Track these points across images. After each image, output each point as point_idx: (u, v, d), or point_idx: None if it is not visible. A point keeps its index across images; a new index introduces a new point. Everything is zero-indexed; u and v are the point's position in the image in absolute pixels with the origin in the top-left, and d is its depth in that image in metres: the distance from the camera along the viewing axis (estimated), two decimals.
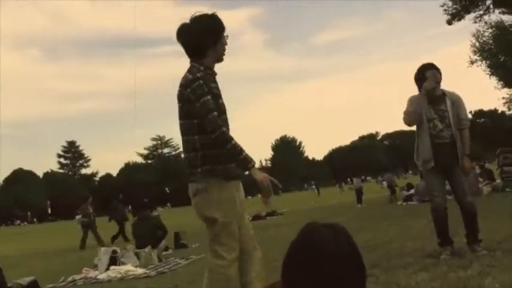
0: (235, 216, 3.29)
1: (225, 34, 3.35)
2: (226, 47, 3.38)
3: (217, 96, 3.28)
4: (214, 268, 3.27)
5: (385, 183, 53.76)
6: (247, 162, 3.16)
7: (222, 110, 3.29)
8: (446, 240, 5.47)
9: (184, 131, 3.31)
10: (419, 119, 5.47)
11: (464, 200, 5.44)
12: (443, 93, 5.52)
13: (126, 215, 19.51)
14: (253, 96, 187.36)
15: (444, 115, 5.43)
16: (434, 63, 5.62)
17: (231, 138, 3.17)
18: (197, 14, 3.33)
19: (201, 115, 3.18)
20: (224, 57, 3.39)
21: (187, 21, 3.33)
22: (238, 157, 3.17)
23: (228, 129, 3.28)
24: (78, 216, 18.96)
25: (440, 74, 5.53)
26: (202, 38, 3.27)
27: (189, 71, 3.31)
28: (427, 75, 5.46)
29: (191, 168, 3.29)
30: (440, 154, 5.39)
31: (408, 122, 5.57)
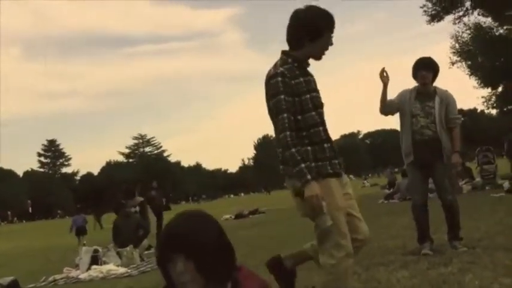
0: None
1: (330, 35, 3.21)
2: (328, 47, 3.24)
3: (301, 92, 3.11)
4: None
5: (366, 182, 54.29)
6: (301, 176, 2.96)
7: (307, 107, 3.11)
8: (424, 237, 5.52)
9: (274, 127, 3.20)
10: (400, 112, 5.55)
11: (445, 197, 5.49)
12: (435, 91, 5.55)
13: (164, 204, 18.01)
14: (235, 95, 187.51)
15: (430, 111, 5.44)
16: (430, 57, 5.66)
17: (293, 146, 3.01)
18: (311, 5, 3.22)
19: (272, 115, 3.12)
20: (323, 56, 3.26)
21: (301, 7, 3.22)
22: (294, 168, 3.00)
23: (315, 124, 3.13)
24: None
25: (434, 70, 5.55)
26: (303, 32, 3.16)
27: (275, 63, 3.20)
28: (417, 75, 5.55)
29: (284, 165, 3.16)
30: (420, 150, 5.41)
31: (381, 109, 5.53)
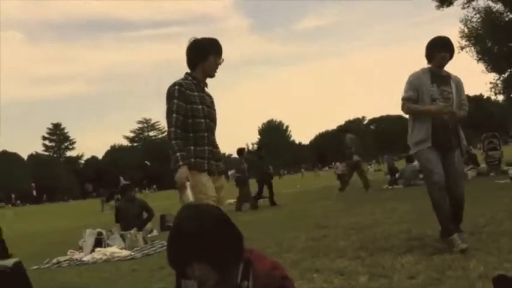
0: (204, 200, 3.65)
1: (216, 56, 3.96)
2: (217, 66, 4.00)
3: (195, 102, 3.86)
4: None
5: (370, 167, 54.32)
6: (176, 162, 3.68)
7: (198, 115, 3.85)
8: (449, 226, 4.85)
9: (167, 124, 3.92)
10: (419, 97, 5.01)
11: (458, 189, 5.00)
12: (449, 75, 5.12)
13: (271, 172, 17.21)
14: (240, 81, 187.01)
15: (448, 97, 4.98)
16: (448, 37, 5.13)
17: (174, 139, 3.75)
18: (203, 37, 4.01)
19: (166, 115, 3.83)
20: (215, 74, 4.02)
21: (193, 39, 4.00)
22: (172, 155, 3.72)
23: (201, 130, 3.86)
24: (231, 172, 17.58)
25: (451, 54, 5.11)
26: (194, 54, 3.97)
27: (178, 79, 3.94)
28: (436, 56, 5.04)
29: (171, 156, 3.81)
30: (440, 135, 4.93)
31: (408, 112, 5.12)
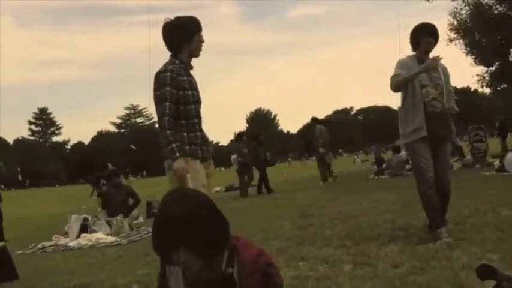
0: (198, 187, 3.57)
1: (200, 34, 3.85)
2: (202, 44, 3.87)
3: (185, 88, 3.76)
4: None
5: (357, 158, 54.59)
6: (173, 153, 3.61)
7: (188, 101, 3.78)
8: (439, 221, 4.85)
9: (156, 112, 3.84)
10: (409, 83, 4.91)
11: (446, 181, 4.99)
12: None
13: (269, 159, 17.19)
14: (229, 69, 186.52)
15: (438, 82, 4.90)
16: (435, 25, 5.07)
17: (169, 129, 3.66)
18: (178, 16, 3.85)
19: (157, 102, 3.74)
20: (200, 52, 3.89)
21: (170, 20, 3.85)
22: (167, 146, 3.65)
23: (193, 116, 3.80)
24: (233, 156, 17.11)
25: (436, 40, 5.04)
26: (177, 37, 3.81)
27: (165, 63, 3.81)
28: (422, 41, 4.99)
29: (163, 148, 3.75)
30: (434, 124, 4.83)
31: (397, 86, 4.93)
